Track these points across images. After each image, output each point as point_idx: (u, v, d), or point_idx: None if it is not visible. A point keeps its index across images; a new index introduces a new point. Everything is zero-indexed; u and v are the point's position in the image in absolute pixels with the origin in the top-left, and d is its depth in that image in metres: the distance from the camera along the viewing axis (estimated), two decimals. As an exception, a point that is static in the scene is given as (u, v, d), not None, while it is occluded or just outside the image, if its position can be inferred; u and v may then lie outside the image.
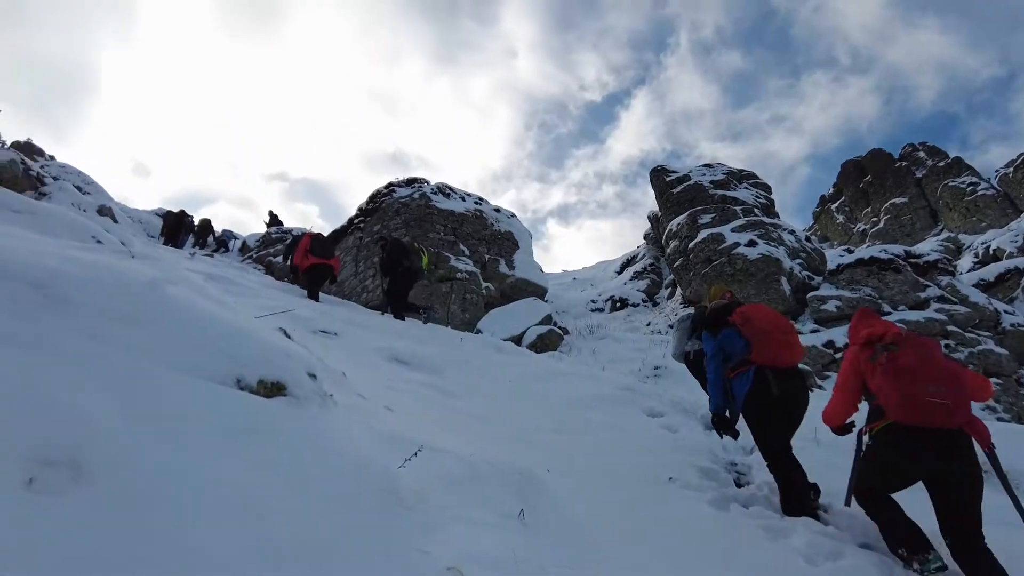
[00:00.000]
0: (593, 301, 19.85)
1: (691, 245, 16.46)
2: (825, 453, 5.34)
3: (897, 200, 39.32)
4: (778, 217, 19.02)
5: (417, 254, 11.25)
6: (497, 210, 17.52)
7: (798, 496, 4.08)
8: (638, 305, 19.03)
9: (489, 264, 15.97)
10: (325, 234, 16.21)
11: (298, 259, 11.12)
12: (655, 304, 19.17)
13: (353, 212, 17.87)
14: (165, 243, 19.06)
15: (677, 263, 17.06)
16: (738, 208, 17.77)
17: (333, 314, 8.88)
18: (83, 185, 17.68)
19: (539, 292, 15.82)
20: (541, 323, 13.72)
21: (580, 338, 13.97)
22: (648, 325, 16.42)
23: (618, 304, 19.28)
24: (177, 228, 20.39)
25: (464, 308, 14.53)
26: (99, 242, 4.09)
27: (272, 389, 2.59)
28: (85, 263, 2.54)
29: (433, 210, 16.02)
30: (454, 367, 7.46)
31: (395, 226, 15.94)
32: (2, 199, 3.87)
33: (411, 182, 17.00)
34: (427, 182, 17.16)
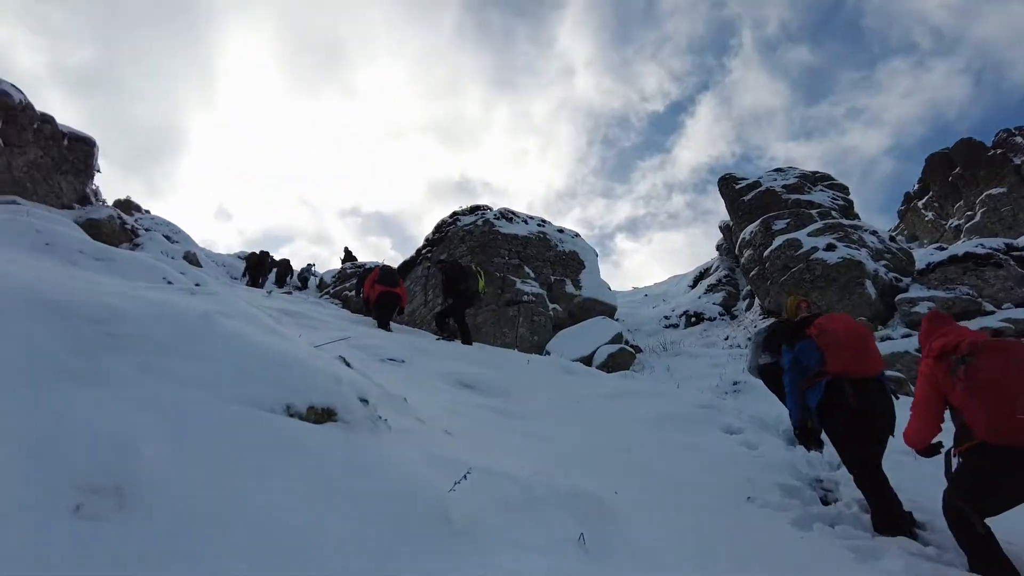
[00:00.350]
0: (666, 317, 19.37)
1: (766, 253, 15.81)
2: (928, 465, 4.91)
3: (994, 191, 36.48)
4: (858, 218, 18.04)
5: (474, 276, 11.36)
6: (560, 231, 17.46)
7: (891, 513, 3.74)
8: (714, 319, 18.40)
9: (555, 285, 15.89)
10: (395, 265, 16.69)
11: (367, 290, 11.54)
12: (732, 317, 18.48)
13: (421, 243, 18.26)
14: (248, 283, 20.08)
15: (753, 272, 16.41)
16: (814, 212, 16.98)
17: (401, 342, 9.01)
18: (171, 234, 18.93)
19: (608, 310, 15.57)
20: (611, 342, 13.46)
21: (653, 356, 13.61)
22: (726, 339, 15.82)
23: (693, 319, 18.72)
24: (258, 269, 21.45)
25: (532, 331, 14.47)
26: (169, 282, 4.30)
27: (322, 415, 2.60)
28: (144, 300, 2.65)
29: (497, 235, 16.14)
30: (520, 390, 7.38)
31: (460, 253, 16.14)
32: (88, 249, 4.13)
33: (474, 209, 17.22)
34: (490, 208, 17.34)
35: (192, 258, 16.56)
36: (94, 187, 16.72)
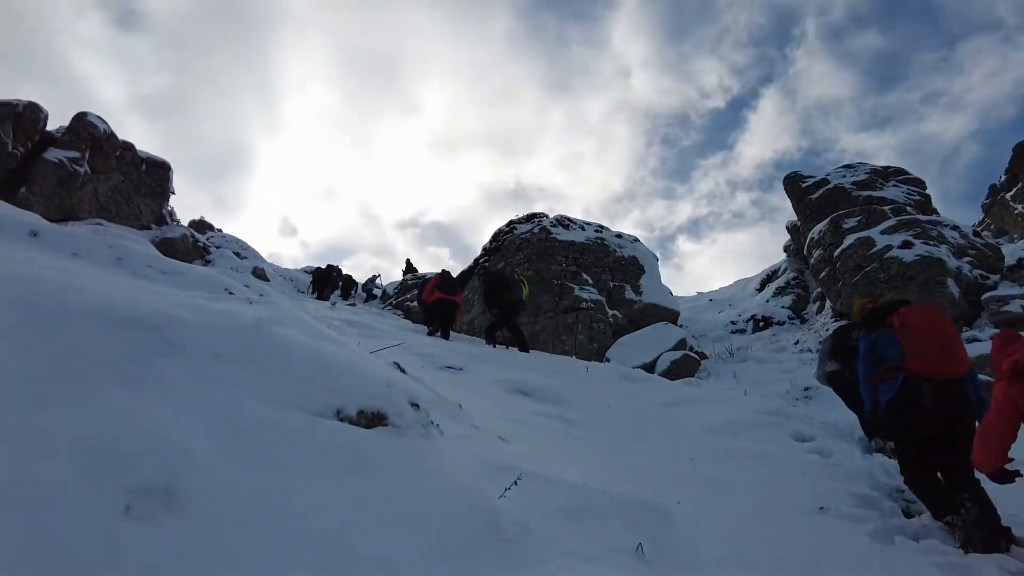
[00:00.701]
0: (732, 322, 18.74)
1: (836, 253, 15.09)
2: None
3: (1091, 182, 33.78)
4: (936, 213, 17.01)
5: (517, 285, 11.33)
6: (619, 236, 17.21)
7: (987, 526, 3.43)
8: (783, 323, 17.67)
9: (614, 291, 15.64)
10: (454, 275, 16.86)
11: (425, 295, 11.73)
12: (803, 321, 17.70)
13: (479, 252, 18.37)
14: (315, 296, 20.73)
15: (823, 274, 15.68)
16: (887, 208, 16.09)
17: (459, 350, 9.04)
18: (240, 251, 19.76)
19: (670, 316, 15.20)
20: (674, 348, 13.12)
21: (719, 362, 13.18)
22: (796, 344, 15.16)
23: (761, 323, 18.04)
24: (324, 282, 22.12)
25: (591, 338, 14.27)
26: (230, 293, 4.43)
27: (372, 419, 2.59)
28: (201, 309, 2.71)
29: (554, 243, 16.04)
30: (579, 397, 7.26)
31: (518, 261, 16.14)
32: (156, 264, 4.29)
33: (531, 218, 17.20)
34: (546, 216, 17.28)
35: (260, 273, 17.21)
36: (169, 208, 17.66)
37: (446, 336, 11.15)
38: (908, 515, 4.01)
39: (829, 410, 8.28)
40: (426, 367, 7.41)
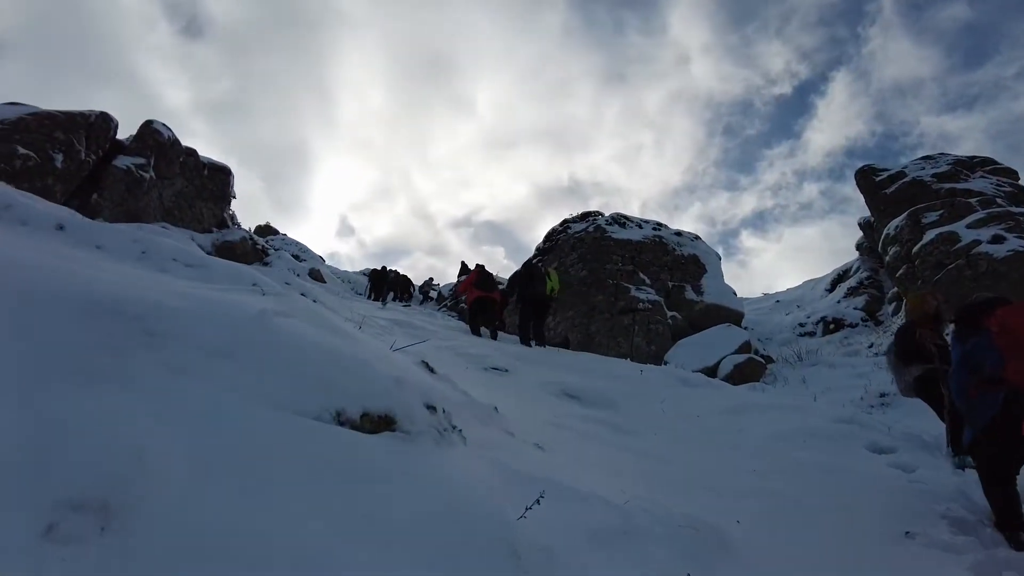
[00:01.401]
0: (801, 324, 17.73)
1: (915, 249, 13.99)
2: None
3: None
4: (1032, 206, 15.59)
5: (541, 278, 10.72)
6: (678, 234, 16.55)
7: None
8: (856, 325, 16.57)
9: (674, 292, 15.01)
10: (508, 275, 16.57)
11: (463, 288, 11.54)
12: (877, 323, 16.56)
13: (532, 251, 18.03)
14: (372, 298, 20.92)
15: (900, 272, 14.57)
16: (973, 200, 14.83)
17: (507, 351, 8.72)
18: (299, 253, 20.10)
19: (734, 318, 14.46)
20: (738, 351, 12.42)
21: (787, 366, 12.40)
22: (870, 347, 14.14)
23: (832, 326, 16.99)
24: (380, 283, 22.31)
25: (649, 340, 13.71)
26: (255, 285, 4.24)
27: (379, 423, 2.28)
28: (197, 298, 2.48)
29: (609, 241, 15.55)
30: (631, 402, 6.81)
31: (571, 261, 15.72)
32: (182, 257, 4.15)
33: (585, 216, 16.76)
34: (601, 214, 16.80)
35: (316, 275, 17.42)
36: (231, 212, 18.11)
37: (494, 336, 10.87)
38: (1020, 546, 3.39)
39: (910, 418, 7.53)
40: (470, 368, 7.13)
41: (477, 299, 11.34)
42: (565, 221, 17.08)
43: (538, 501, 2.11)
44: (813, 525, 3.60)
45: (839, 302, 18.12)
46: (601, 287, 14.85)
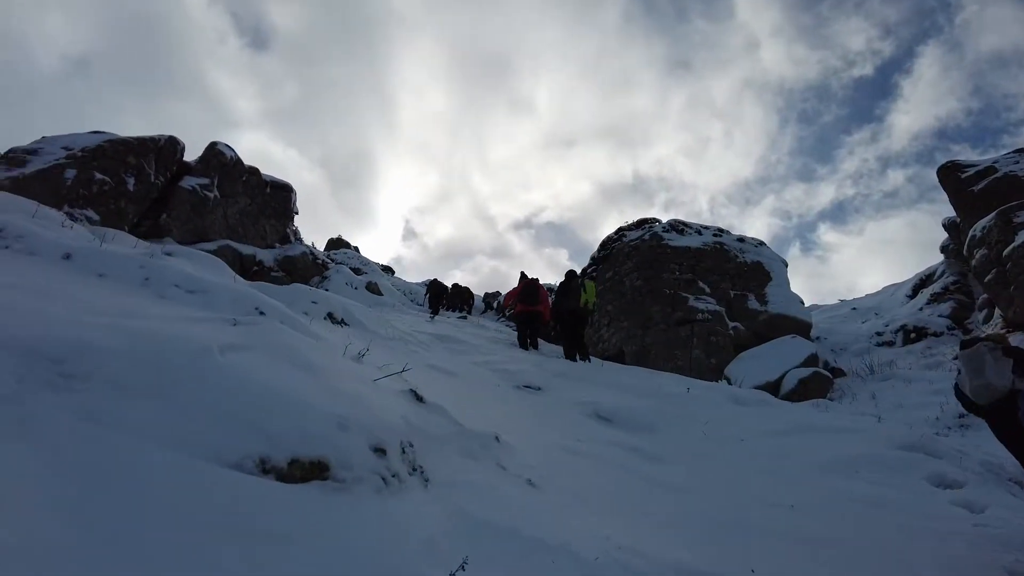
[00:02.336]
0: (879, 333, 16.52)
1: (1007, 252, 12.72)
2: None
3: None
4: None
5: (576, 292, 10.31)
6: (741, 240, 15.79)
7: None
8: (940, 334, 15.26)
9: (735, 301, 14.29)
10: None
11: (507, 301, 11.43)
12: (966, 331, 15.21)
13: (590, 258, 17.67)
14: (430, 309, 21.16)
15: (988, 277, 13.29)
16: (1075, 197, 13.39)
17: (547, 367, 8.45)
18: (360, 267, 20.54)
19: (800, 328, 13.60)
20: (803, 364, 11.65)
21: (857, 380, 11.52)
22: (955, 359, 12.97)
23: (912, 335, 15.73)
24: (438, 294, 22.53)
25: (709, 353, 13.08)
26: (262, 312, 4.20)
27: (310, 470, 2.11)
28: (132, 334, 2.38)
29: (666, 249, 14.99)
30: (670, 424, 6.41)
31: (627, 270, 15.27)
32: (184, 283, 4.17)
33: (641, 223, 16.27)
34: (658, 221, 16.26)
35: (374, 287, 17.72)
36: (294, 228, 18.70)
37: (535, 346, 10.67)
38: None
39: (989, 443, 6.74)
40: (501, 385, 6.93)
41: (519, 313, 11.17)
42: (620, 229, 16.63)
43: (463, 567, 1.87)
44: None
45: (921, 309, 16.80)
46: (657, 297, 14.32)
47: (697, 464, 5.18)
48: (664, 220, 16.30)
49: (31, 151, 14.35)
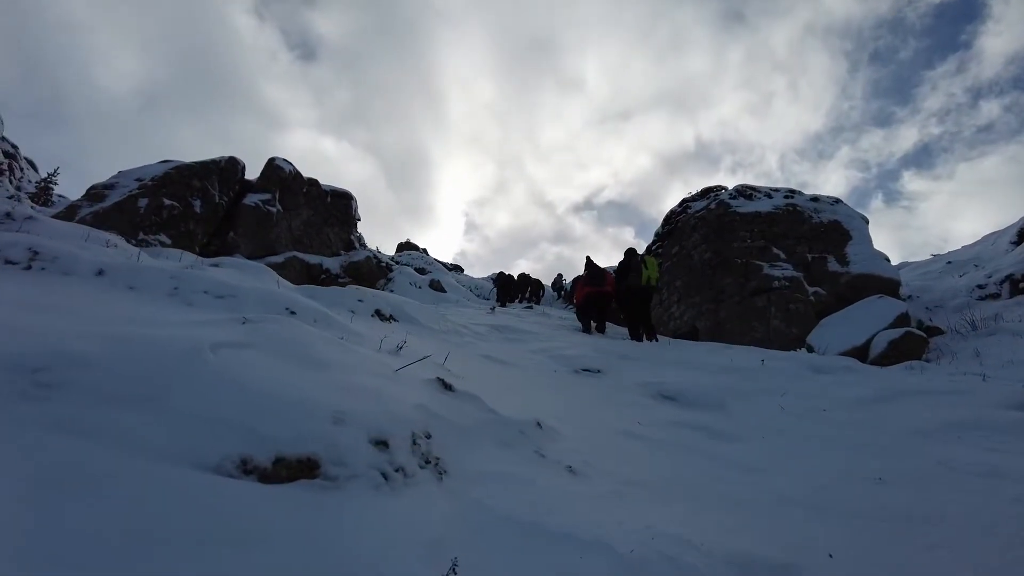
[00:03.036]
0: (980, 287, 15.04)
1: None
2: None
3: None
4: None
5: (637, 269, 10.13)
6: (814, 199, 14.76)
7: None
8: (1054, 281, 13.75)
9: (814, 265, 13.37)
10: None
11: (577, 295, 11.35)
12: (1085, 276, 13.64)
13: (655, 233, 17.06)
14: (499, 301, 21.20)
15: (1108, 212, 11.83)
16: None
17: (607, 349, 8.09)
18: (425, 266, 20.70)
19: (888, 287, 12.56)
20: (893, 325, 10.73)
21: (957, 338, 10.50)
22: (1075, 305, 11.63)
23: (1022, 284, 14.26)
24: (506, 288, 22.49)
25: (788, 322, 12.29)
26: (292, 312, 4.10)
27: (297, 468, 1.92)
28: (122, 339, 2.27)
29: (734, 217, 14.20)
30: (743, 399, 5.95)
31: (694, 243, 14.59)
32: (213, 289, 4.14)
33: (706, 192, 15.51)
34: (724, 188, 15.46)
35: (436, 285, 17.81)
36: (357, 234, 19.02)
37: (602, 330, 10.36)
38: None
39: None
40: (559, 371, 6.65)
41: (586, 296, 11.07)
42: (684, 201, 15.92)
43: (453, 570, 1.62)
44: (941, 561, 2.72)
45: (1030, 255, 15.19)
46: (728, 268, 13.60)
47: (772, 440, 4.73)
48: (731, 187, 15.47)
49: (109, 186, 15.19)
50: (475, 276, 29.58)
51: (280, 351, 2.62)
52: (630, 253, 10.86)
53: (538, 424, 3.50)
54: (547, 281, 26.82)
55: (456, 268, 46.54)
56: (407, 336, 6.14)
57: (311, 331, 3.06)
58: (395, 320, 6.68)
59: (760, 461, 4.12)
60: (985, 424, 4.76)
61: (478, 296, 21.91)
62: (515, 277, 22.81)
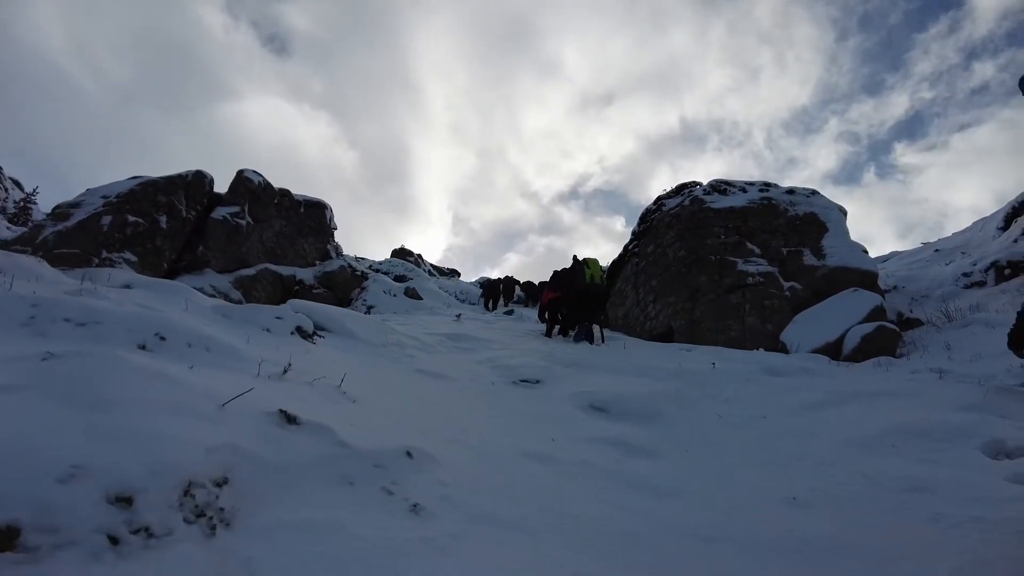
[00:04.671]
0: (966, 274, 14.64)
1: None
2: None
3: None
4: None
5: (579, 272, 10.47)
6: (790, 192, 14.41)
7: None
8: (1041, 266, 13.35)
9: (790, 259, 13.02)
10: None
11: (544, 297, 11.48)
12: (1072, 260, 13.25)
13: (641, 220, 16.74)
14: (486, 305, 21.03)
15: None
16: None
17: (558, 357, 7.77)
18: (406, 273, 20.40)
19: (866, 280, 12.20)
20: (867, 319, 10.38)
21: (932, 331, 10.14)
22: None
23: (1007, 271, 13.85)
24: (492, 292, 22.28)
25: (763, 318, 11.95)
26: (162, 338, 3.81)
27: (-11, 545, 1.62)
28: None
29: (708, 213, 13.86)
30: (682, 408, 5.63)
31: (669, 241, 14.27)
32: (74, 316, 3.87)
33: (680, 189, 15.20)
34: (698, 184, 15.14)
35: (412, 293, 17.51)
36: (334, 243, 18.75)
37: (564, 333, 10.31)
38: None
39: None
40: (497, 383, 6.33)
41: (551, 300, 11.16)
42: (659, 198, 15.60)
43: None
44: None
45: (1016, 241, 14.80)
46: (703, 266, 13.26)
47: (696, 454, 4.42)
48: (705, 182, 15.15)
49: (75, 204, 14.96)
50: (468, 280, 29.36)
51: (61, 393, 2.32)
52: (574, 259, 11.22)
53: (408, 453, 3.19)
54: (538, 274, 26.51)
55: (453, 273, 46.24)
56: (331, 353, 5.85)
57: (128, 364, 2.76)
58: (323, 336, 6.39)
59: (672, 482, 3.81)
60: (925, 430, 4.44)
61: (463, 302, 21.62)
62: (498, 283, 22.60)
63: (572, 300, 10.25)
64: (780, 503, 3.46)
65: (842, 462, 4.09)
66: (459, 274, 45.98)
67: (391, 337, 7.52)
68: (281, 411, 3.01)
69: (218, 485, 2.23)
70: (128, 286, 5.78)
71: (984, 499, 3.26)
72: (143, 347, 3.75)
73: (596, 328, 10.56)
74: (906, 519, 3.12)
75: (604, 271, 11.54)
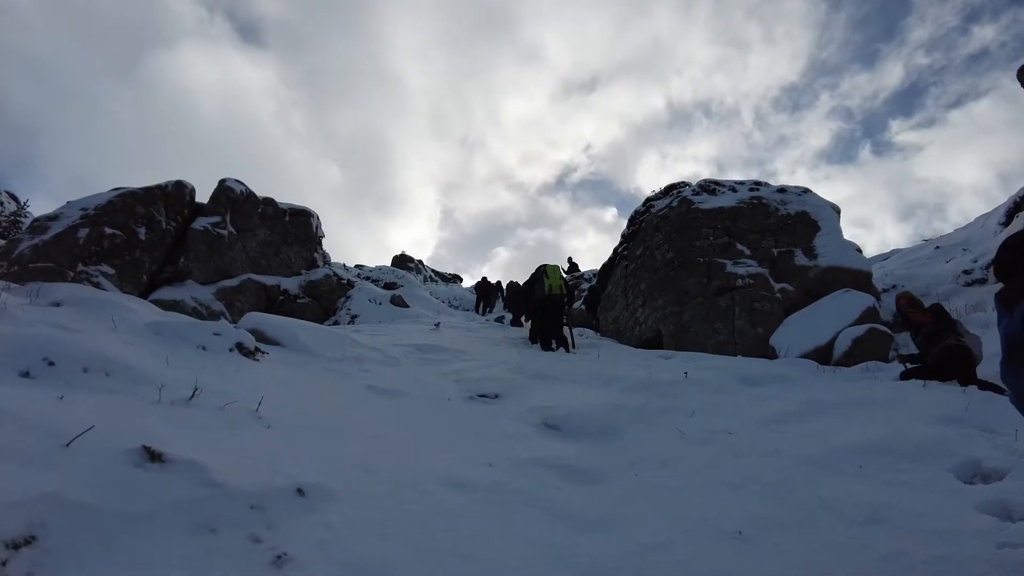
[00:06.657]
0: (966, 272, 14.17)
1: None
2: None
3: None
4: None
5: (539, 280, 10.48)
6: (781, 190, 14.01)
7: None
8: (1044, 262, 12.87)
9: (780, 259, 12.60)
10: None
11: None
12: (1076, 255, 12.75)
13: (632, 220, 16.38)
14: (477, 309, 20.74)
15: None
16: None
17: (526, 367, 7.41)
18: (397, 280, 20.11)
19: (858, 279, 11.77)
20: (859, 322, 9.96)
21: (927, 332, 9.69)
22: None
23: (1009, 268, 13.38)
24: (485, 296, 21.99)
25: (754, 322, 11.53)
26: (51, 363, 3.49)
27: None
28: None
29: (697, 213, 13.47)
30: (643, 423, 5.28)
31: (657, 243, 13.89)
32: (157, 328, 3.54)
33: (669, 190, 14.84)
34: (687, 184, 14.78)
35: (399, 301, 17.20)
36: (321, 251, 18.48)
37: (533, 337, 10.25)
38: None
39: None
40: (453, 398, 5.97)
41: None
42: (648, 200, 15.24)
43: None
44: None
45: (1017, 236, 14.32)
46: (692, 268, 12.86)
47: (645, 478, 4.06)
48: (694, 183, 14.77)
49: (53, 217, 14.75)
50: (466, 286, 29.08)
51: None
52: (539, 267, 11.08)
53: (299, 491, 2.85)
54: (529, 271, 26.26)
55: (455, 278, 45.93)
56: (272, 370, 5.52)
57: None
58: (270, 351, 6.06)
59: (610, 512, 3.45)
60: (895, 447, 4.06)
61: (456, 308, 21.32)
62: (490, 286, 22.34)
63: (535, 309, 10.13)
64: (721, 537, 3.09)
65: (801, 484, 3.72)
66: (461, 279, 45.71)
67: (350, 351, 7.19)
68: (145, 447, 2.67)
69: (15, 547, 1.90)
70: (58, 304, 5.48)
71: (948, 533, 2.88)
72: (26, 374, 3.44)
73: (568, 334, 10.40)
74: (855, 558, 2.75)
75: (563, 280, 11.38)
